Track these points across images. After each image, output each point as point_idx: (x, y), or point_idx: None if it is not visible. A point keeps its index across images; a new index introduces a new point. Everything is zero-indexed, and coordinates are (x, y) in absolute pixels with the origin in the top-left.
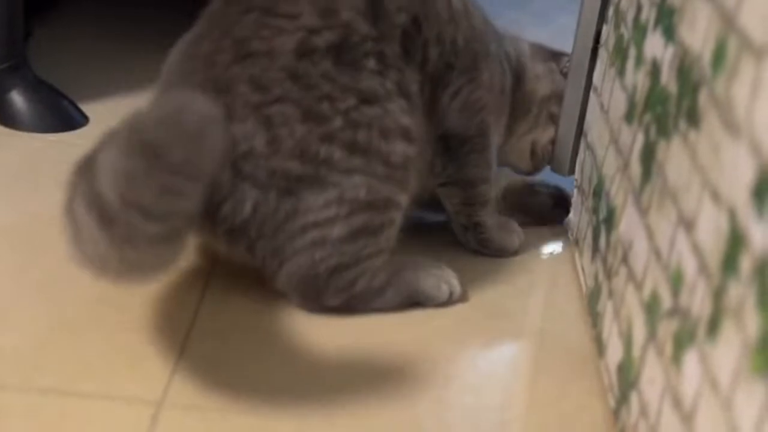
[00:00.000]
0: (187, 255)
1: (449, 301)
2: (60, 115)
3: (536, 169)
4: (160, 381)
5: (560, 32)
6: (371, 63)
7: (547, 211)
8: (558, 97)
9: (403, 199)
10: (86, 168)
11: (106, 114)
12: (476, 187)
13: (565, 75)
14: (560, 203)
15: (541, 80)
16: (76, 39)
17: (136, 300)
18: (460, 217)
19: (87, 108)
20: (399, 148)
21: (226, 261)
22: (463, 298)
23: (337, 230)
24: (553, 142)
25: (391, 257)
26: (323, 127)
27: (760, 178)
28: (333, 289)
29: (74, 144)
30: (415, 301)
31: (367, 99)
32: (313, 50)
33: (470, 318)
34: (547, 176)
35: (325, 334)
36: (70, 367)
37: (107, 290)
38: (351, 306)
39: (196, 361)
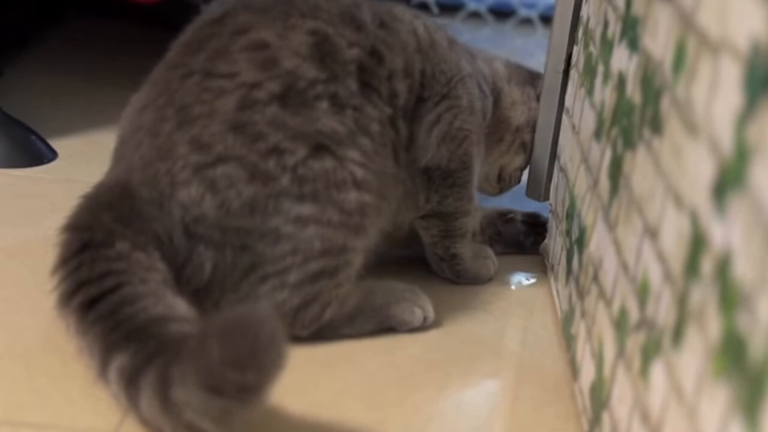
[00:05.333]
0: None
1: (423, 326)
2: (29, 150)
3: (501, 191)
4: (116, 411)
5: (540, 69)
6: (324, 105)
7: (522, 239)
8: (532, 125)
9: (360, 243)
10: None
11: (75, 149)
12: (457, 220)
13: (539, 99)
14: (536, 230)
15: (516, 107)
16: (45, 77)
17: None
18: (437, 248)
19: (55, 143)
20: (352, 197)
21: None
22: (436, 323)
23: (293, 277)
24: (521, 168)
25: (362, 282)
26: (270, 186)
27: (719, 174)
28: (300, 323)
29: (41, 179)
30: (387, 326)
31: (321, 145)
32: (255, 102)
33: (445, 344)
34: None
35: (293, 359)
36: (22, 396)
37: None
38: (322, 334)
39: None
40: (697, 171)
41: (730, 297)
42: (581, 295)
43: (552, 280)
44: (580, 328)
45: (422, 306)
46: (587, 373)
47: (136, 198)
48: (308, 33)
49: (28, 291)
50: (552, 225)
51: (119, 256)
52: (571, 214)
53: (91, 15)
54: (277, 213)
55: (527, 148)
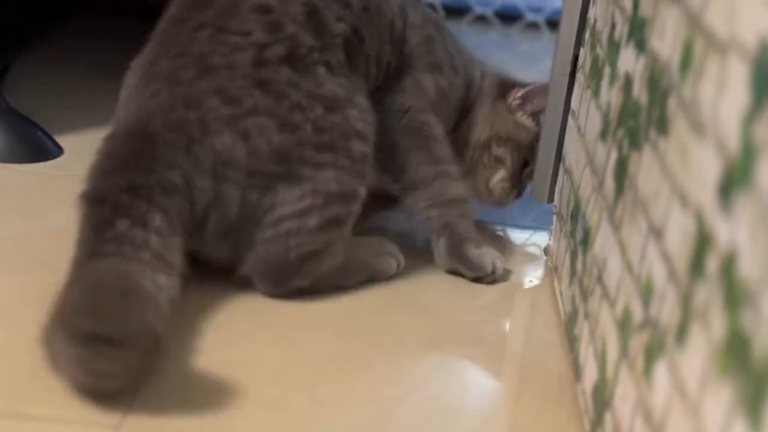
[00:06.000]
0: None
1: (396, 272)
2: (35, 145)
3: (499, 203)
4: (120, 403)
5: (547, 74)
6: (322, 71)
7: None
8: (503, 138)
9: (363, 191)
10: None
11: (81, 145)
12: (431, 184)
13: (513, 110)
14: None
15: (477, 126)
16: (51, 73)
17: None
18: (432, 222)
19: (61, 139)
20: (356, 146)
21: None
22: (439, 322)
23: (314, 220)
24: (506, 179)
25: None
26: (297, 134)
27: (725, 173)
28: (303, 273)
29: (48, 174)
30: (370, 277)
31: (329, 106)
32: (268, 61)
33: (447, 344)
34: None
35: (290, 357)
36: (25, 389)
37: None
38: (317, 287)
39: (158, 383)
40: (703, 170)
41: (734, 295)
42: (585, 296)
43: (555, 281)
44: (583, 329)
45: (395, 256)
46: (590, 374)
47: (158, 143)
48: (301, 3)
49: (33, 284)
50: (556, 227)
51: (115, 237)
52: (575, 215)
53: (97, 11)
54: (302, 160)
55: (505, 161)
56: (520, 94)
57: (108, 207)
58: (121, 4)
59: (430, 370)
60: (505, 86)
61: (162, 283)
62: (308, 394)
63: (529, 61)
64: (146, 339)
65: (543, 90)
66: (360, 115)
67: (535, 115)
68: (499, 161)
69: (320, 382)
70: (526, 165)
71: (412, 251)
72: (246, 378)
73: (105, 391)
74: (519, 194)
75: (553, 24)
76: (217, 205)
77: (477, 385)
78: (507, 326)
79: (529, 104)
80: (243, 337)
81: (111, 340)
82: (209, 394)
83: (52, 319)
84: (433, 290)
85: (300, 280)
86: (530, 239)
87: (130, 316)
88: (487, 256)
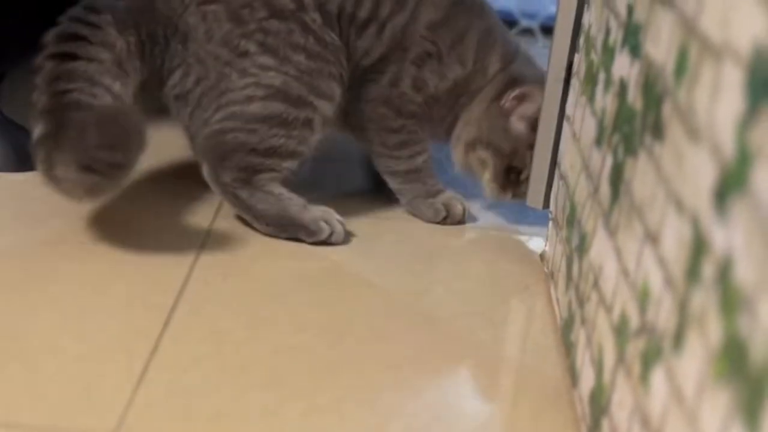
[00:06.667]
0: (150, 288)
1: (328, 241)
2: (30, 154)
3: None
4: (115, 412)
5: None
6: None
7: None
8: (485, 142)
9: (321, 104)
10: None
11: None
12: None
13: (506, 113)
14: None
15: (469, 124)
16: None
17: (94, 327)
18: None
19: None
20: (303, 61)
21: (189, 296)
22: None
23: (253, 108)
24: (491, 180)
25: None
26: (242, 27)
27: (721, 179)
28: (232, 163)
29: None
30: (295, 234)
31: (275, 13)
32: None
33: (443, 351)
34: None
35: (286, 364)
36: (20, 398)
37: (64, 319)
38: (238, 199)
39: (154, 392)
40: (699, 176)
41: (731, 300)
42: (581, 302)
43: (552, 287)
44: (579, 335)
45: (329, 221)
46: (587, 380)
47: (156, 8)
48: None
49: (27, 293)
50: (552, 232)
51: (100, 42)
52: (571, 221)
53: None
54: (246, 55)
55: (488, 164)
56: (513, 95)
57: (106, 18)
58: None
59: (426, 377)
60: (513, 84)
61: (117, 89)
62: (305, 402)
63: None
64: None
65: (535, 92)
66: (311, 38)
67: (531, 120)
68: (483, 163)
69: (316, 390)
70: (518, 170)
71: (410, 255)
72: (241, 386)
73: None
74: (516, 196)
75: (547, 30)
76: (180, 69)
77: (473, 391)
78: (503, 332)
79: (521, 107)
80: (238, 345)
81: (118, 164)
82: (205, 403)
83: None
84: (428, 297)
85: (228, 171)
86: (526, 244)
87: (132, 143)
88: (427, 212)
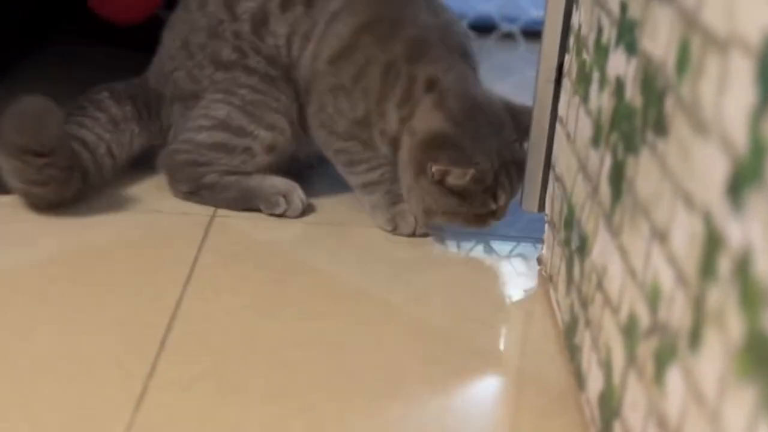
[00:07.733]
0: (144, 307)
1: (284, 215)
2: None
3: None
4: (114, 430)
5: (522, 84)
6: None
7: None
8: (439, 212)
9: (263, 134)
10: None
11: None
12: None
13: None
14: None
15: (410, 195)
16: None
17: (93, 350)
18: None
19: None
20: (246, 94)
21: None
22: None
23: (202, 137)
24: (468, 224)
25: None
26: (197, 84)
27: (734, 171)
28: (183, 176)
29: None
30: (253, 205)
31: (220, 67)
32: (217, 34)
33: (444, 359)
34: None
35: (287, 377)
36: (16, 424)
37: (62, 342)
38: (203, 198)
39: (154, 415)
40: (708, 170)
41: (752, 295)
42: (584, 304)
43: (551, 290)
44: (584, 337)
45: (288, 195)
46: (595, 382)
47: (149, 85)
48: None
49: (18, 314)
50: (549, 235)
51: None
52: (569, 223)
53: (73, 37)
54: (201, 98)
55: (454, 220)
56: (434, 169)
57: (104, 94)
58: (95, 30)
59: (429, 386)
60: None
61: (105, 137)
62: (308, 417)
63: (504, 71)
64: (61, 148)
65: (458, 163)
66: (256, 78)
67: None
68: (450, 220)
69: (318, 403)
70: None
71: (408, 263)
72: (242, 403)
73: (40, 201)
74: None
75: (528, 34)
76: (167, 112)
77: (477, 399)
78: (503, 338)
79: (450, 176)
80: (235, 363)
81: (35, 151)
82: (207, 424)
83: None
84: (425, 305)
85: (183, 183)
86: (516, 249)
87: (46, 131)
88: (382, 221)
